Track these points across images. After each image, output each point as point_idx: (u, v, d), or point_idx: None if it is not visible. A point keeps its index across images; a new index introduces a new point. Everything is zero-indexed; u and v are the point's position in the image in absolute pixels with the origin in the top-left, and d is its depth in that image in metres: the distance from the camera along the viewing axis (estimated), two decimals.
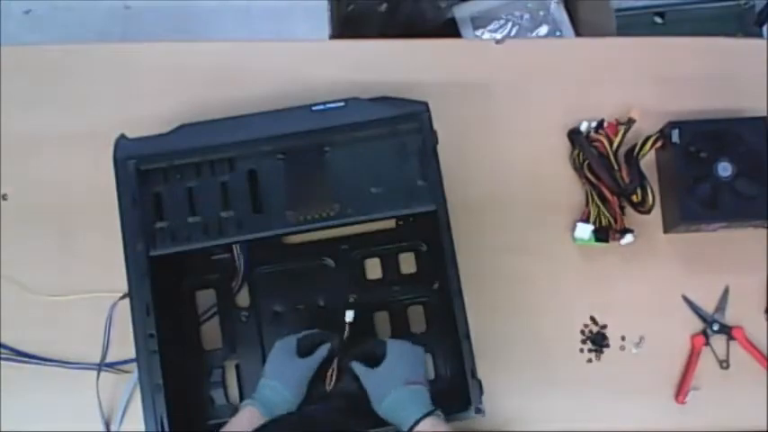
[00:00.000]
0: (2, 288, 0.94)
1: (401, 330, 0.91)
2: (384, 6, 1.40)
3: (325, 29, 1.32)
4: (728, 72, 1.02)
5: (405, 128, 0.84)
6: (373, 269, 0.93)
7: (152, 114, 0.97)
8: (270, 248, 0.91)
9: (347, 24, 1.38)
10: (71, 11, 1.67)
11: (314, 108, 0.84)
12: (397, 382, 0.76)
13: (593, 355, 0.95)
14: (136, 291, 0.80)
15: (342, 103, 0.85)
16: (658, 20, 1.52)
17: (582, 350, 0.95)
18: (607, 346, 0.95)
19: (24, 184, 0.96)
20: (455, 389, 0.84)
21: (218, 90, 0.97)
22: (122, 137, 0.84)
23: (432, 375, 0.90)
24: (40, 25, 1.69)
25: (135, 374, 0.83)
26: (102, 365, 0.90)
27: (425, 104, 0.84)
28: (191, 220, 0.82)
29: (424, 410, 0.74)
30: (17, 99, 0.98)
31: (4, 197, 0.96)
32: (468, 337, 0.81)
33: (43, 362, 0.92)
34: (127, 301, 0.81)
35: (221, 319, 0.91)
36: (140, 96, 0.99)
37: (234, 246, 0.89)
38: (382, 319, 0.92)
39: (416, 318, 0.92)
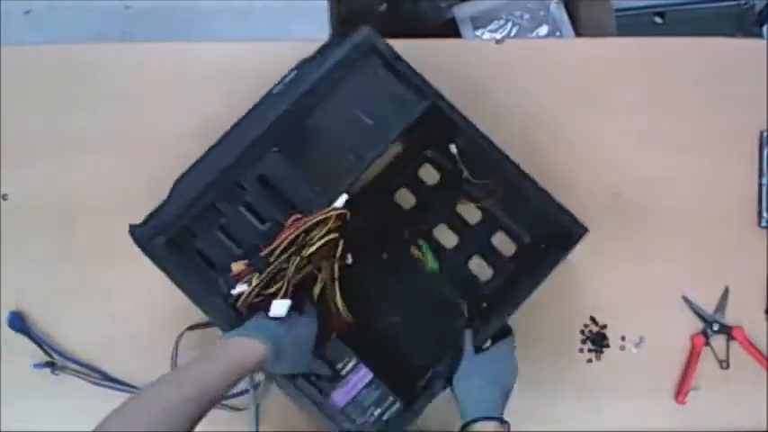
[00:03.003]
0: (1, 288, 0.94)
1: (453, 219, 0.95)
2: (384, 6, 1.40)
3: (326, 29, 1.32)
4: (728, 72, 1.02)
5: (361, 55, 0.84)
6: (405, 199, 0.96)
7: (152, 114, 0.97)
8: None
9: (347, 24, 1.38)
10: (71, 11, 1.67)
11: (275, 92, 0.84)
12: (489, 375, 0.79)
13: (593, 355, 0.95)
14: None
15: (294, 72, 0.84)
16: (658, 20, 1.52)
17: (582, 350, 0.95)
18: (607, 346, 0.95)
19: (24, 184, 0.96)
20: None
21: (218, 90, 0.97)
22: (132, 226, 0.80)
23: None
24: (40, 25, 1.68)
25: None
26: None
27: (368, 27, 0.84)
28: (237, 252, 0.81)
29: (495, 413, 0.75)
30: (17, 99, 0.98)
31: (5, 197, 0.96)
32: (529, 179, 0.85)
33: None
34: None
35: None
36: (140, 96, 0.99)
37: None
38: (441, 232, 0.95)
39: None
